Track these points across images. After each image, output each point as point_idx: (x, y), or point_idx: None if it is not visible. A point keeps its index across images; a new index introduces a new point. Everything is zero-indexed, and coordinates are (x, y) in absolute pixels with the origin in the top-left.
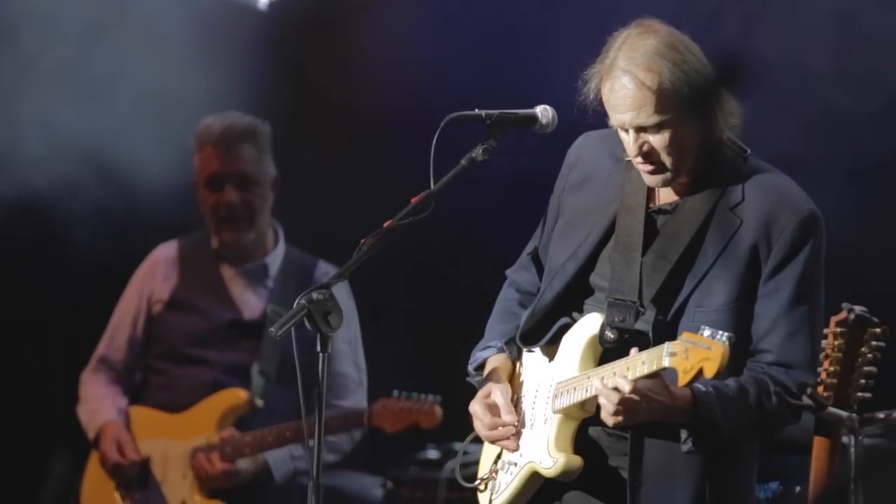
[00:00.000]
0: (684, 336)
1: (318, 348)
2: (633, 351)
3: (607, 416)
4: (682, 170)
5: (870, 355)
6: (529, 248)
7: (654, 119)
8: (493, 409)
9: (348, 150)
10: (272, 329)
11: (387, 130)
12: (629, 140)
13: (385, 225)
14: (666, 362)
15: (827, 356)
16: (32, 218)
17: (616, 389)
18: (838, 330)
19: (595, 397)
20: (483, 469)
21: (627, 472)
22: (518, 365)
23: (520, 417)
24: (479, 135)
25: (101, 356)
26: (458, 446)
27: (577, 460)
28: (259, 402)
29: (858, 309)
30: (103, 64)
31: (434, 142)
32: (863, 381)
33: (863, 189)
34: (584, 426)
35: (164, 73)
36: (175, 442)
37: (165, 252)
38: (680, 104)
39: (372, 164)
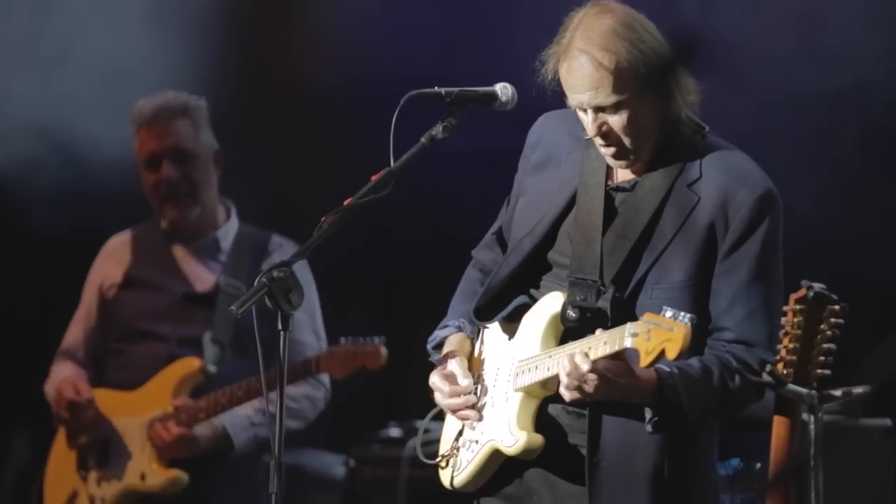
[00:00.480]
0: (646, 317)
1: (280, 326)
2: (599, 331)
3: (565, 392)
4: (642, 149)
5: (829, 332)
6: (494, 227)
7: (612, 99)
8: (451, 378)
9: (306, 127)
10: (233, 307)
11: (346, 106)
12: (588, 120)
13: (345, 203)
14: (627, 342)
15: (786, 333)
16: None
17: (575, 367)
18: (798, 307)
19: (556, 376)
20: (444, 446)
21: (586, 450)
22: (479, 343)
23: (481, 395)
24: (439, 112)
25: (62, 350)
26: (419, 424)
27: (539, 439)
28: (212, 369)
29: (817, 286)
30: (56, 39)
31: (394, 119)
32: (822, 358)
33: (824, 167)
34: (544, 404)
35: (117, 48)
36: (133, 418)
37: (118, 240)
38: (637, 83)
39: (330, 141)
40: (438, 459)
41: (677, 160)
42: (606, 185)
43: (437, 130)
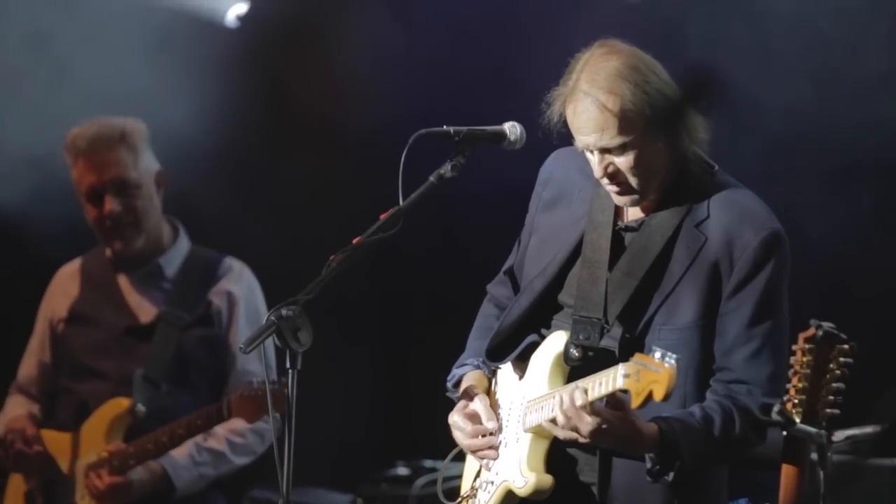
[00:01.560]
0: (636, 357)
1: (288, 365)
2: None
3: (559, 431)
4: (649, 189)
5: (838, 371)
6: (506, 265)
7: (618, 141)
8: (474, 418)
9: (319, 165)
10: (241, 345)
11: (358, 145)
12: (594, 161)
13: (354, 241)
14: (620, 383)
15: (795, 372)
16: None
17: (571, 402)
18: (806, 346)
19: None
20: (464, 486)
21: (597, 488)
22: (493, 382)
23: (498, 429)
24: (448, 151)
25: (16, 383)
26: (428, 463)
27: (548, 479)
28: (141, 409)
29: (826, 325)
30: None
31: (402, 158)
32: (831, 397)
33: (836, 203)
34: (558, 443)
35: (118, 80)
36: (75, 461)
37: (67, 270)
38: (643, 125)
39: (343, 180)
40: (458, 501)
41: (685, 199)
42: (615, 225)
43: (446, 169)
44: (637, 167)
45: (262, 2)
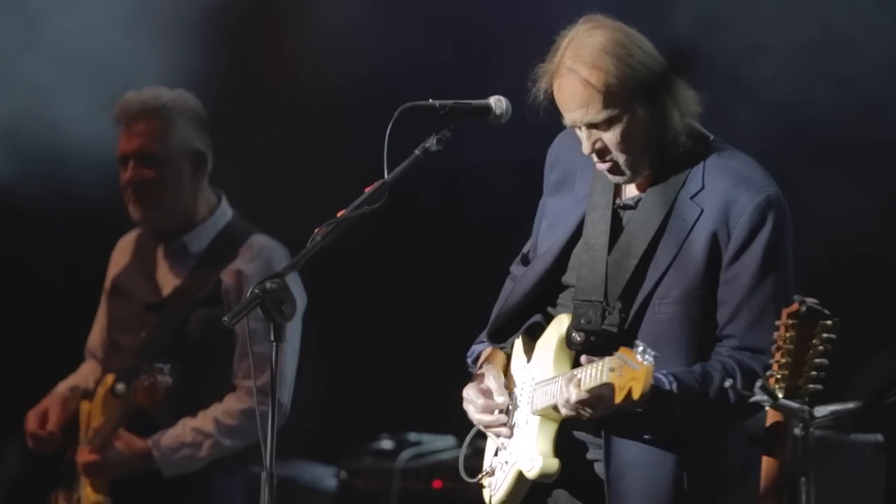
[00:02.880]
0: (620, 352)
1: (272, 338)
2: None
3: (564, 412)
4: (639, 165)
5: (821, 347)
6: (526, 247)
7: (603, 115)
8: (487, 394)
9: (302, 137)
10: (225, 318)
11: (342, 117)
12: (583, 137)
13: (338, 214)
14: (605, 377)
15: (778, 348)
16: None
17: (565, 393)
18: (790, 322)
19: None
20: (485, 464)
21: (603, 466)
22: (510, 360)
23: (512, 413)
24: (433, 124)
25: (87, 348)
26: (412, 437)
27: (555, 463)
28: (119, 388)
29: (810, 301)
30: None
31: (388, 131)
32: (814, 373)
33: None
34: (567, 426)
35: (114, 52)
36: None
37: (125, 240)
38: (628, 99)
39: (326, 152)
40: (479, 477)
41: (679, 172)
42: (614, 204)
43: (432, 143)
44: (624, 142)
45: None
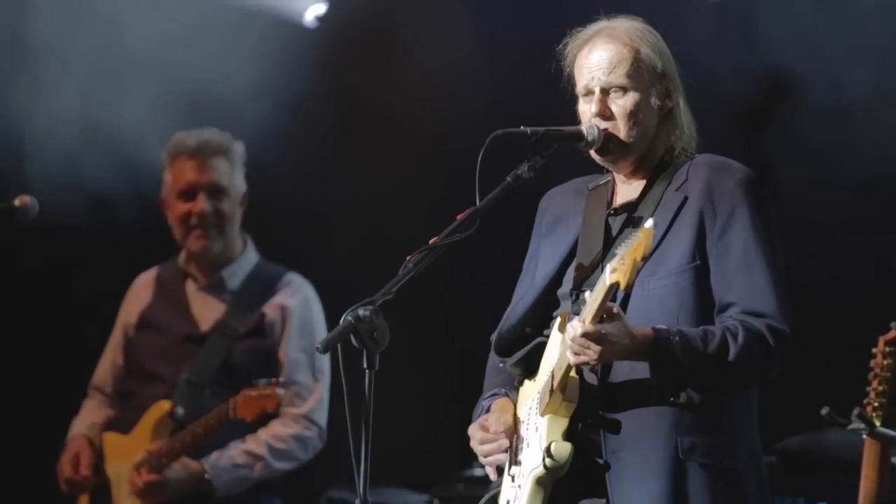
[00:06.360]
0: (618, 250)
1: (365, 365)
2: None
3: (571, 356)
4: (633, 147)
5: None
6: (511, 306)
7: (624, 80)
8: (486, 428)
9: (396, 166)
10: (318, 345)
11: (436, 146)
12: (594, 101)
13: (430, 242)
14: (608, 280)
15: (875, 375)
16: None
17: (575, 338)
18: (887, 349)
19: (564, 373)
20: (502, 500)
21: (601, 440)
22: (516, 404)
23: (520, 439)
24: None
25: (92, 385)
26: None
27: (567, 446)
28: (179, 412)
29: None
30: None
31: (479, 159)
32: None
33: None
34: (574, 419)
35: (212, 86)
36: (127, 462)
37: (143, 278)
38: (650, 77)
39: (418, 181)
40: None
41: (668, 176)
42: (608, 213)
43: (523, 170)
44: (632, 116)
45: (341, 2)
